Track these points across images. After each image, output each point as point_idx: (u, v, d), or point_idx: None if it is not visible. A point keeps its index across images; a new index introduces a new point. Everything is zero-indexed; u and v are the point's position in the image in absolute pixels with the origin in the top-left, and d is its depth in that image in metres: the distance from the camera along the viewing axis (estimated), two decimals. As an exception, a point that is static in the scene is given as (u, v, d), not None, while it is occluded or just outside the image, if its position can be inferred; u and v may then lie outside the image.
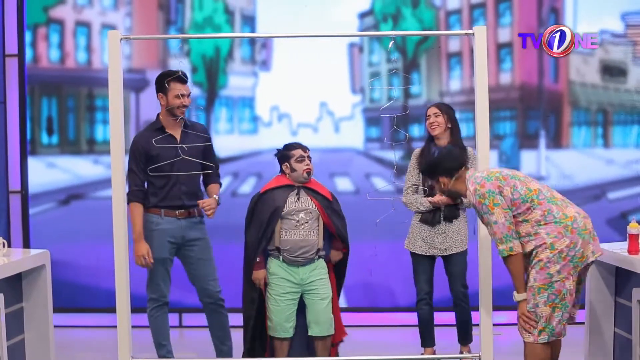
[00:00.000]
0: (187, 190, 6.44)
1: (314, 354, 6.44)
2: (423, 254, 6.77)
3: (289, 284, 6.33)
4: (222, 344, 6.59)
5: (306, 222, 6.32)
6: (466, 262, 6.81)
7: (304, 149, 6.43)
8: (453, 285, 6.81)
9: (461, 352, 6.88)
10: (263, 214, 6.33)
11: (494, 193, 5.33)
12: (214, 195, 6.58)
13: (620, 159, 8.41)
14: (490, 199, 5.32)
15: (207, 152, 6.55)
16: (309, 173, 6.39)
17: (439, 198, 6.60)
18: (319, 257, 6.42)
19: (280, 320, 6.33)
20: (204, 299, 6.55)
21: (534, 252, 5.33)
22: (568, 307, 5.36)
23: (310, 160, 6.41)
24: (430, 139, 6.84)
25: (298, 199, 6.37)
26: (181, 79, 6.38)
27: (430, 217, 6.72)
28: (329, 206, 6.46)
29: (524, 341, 5.45)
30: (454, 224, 6.74)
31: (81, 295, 8.32)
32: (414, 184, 6.85)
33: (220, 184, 6.75)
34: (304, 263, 6.34)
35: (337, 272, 6.61)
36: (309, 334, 6.41)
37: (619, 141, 8.40)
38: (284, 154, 6.44)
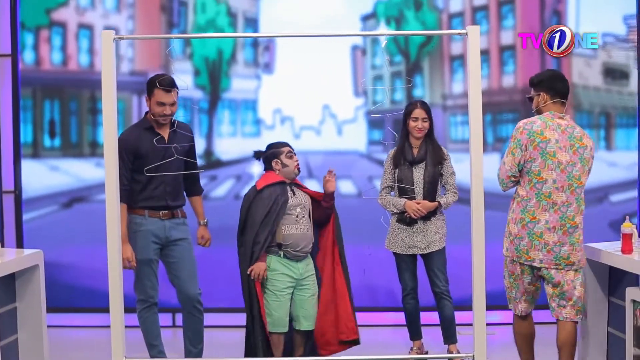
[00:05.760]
0: (172, 190, 6.46)
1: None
2: (404, 253, 6.79)
3: (289, 279, 6.40)
4: (192, 347, 6.61)
5: (303, 217, 6.42)
6: (445, 258, 6.84)
7: (290, 147, 6.53)
8: (435, 281, 6.84)
9: (450, 352, 6.87)
10: (266, 210, 6.36)
11: (520, 145, 5.74)
12: (202, 221, 6.69)
13: (623, 162, 8.39)
14: (513, 145, 5.78)
15: (191, 152, 6.59)
16: (299, 169, 6.51)
17: (416, 207, 6.63)
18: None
19: (282, 315, 6.39)
20: (183, 300, 6.56)
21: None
22: (519, 289, 5.78)
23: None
24: (405, 138, 6.85)
25: (294, 194, 6.44)
26: (165, 87, 6.30)
27: (407, 218, 6.73)
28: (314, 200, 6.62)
29: None
30: (432, 221, 6.76)
31: (76, 296, 8.34)
32: (389, 185, 6.85)
33: (202, 190, 6.81)
34: (302, 257, 6.42)
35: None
36: (297, 328, 6.48)
37: (622, 144, 8.37)
38: (272, 151, 6.50)
